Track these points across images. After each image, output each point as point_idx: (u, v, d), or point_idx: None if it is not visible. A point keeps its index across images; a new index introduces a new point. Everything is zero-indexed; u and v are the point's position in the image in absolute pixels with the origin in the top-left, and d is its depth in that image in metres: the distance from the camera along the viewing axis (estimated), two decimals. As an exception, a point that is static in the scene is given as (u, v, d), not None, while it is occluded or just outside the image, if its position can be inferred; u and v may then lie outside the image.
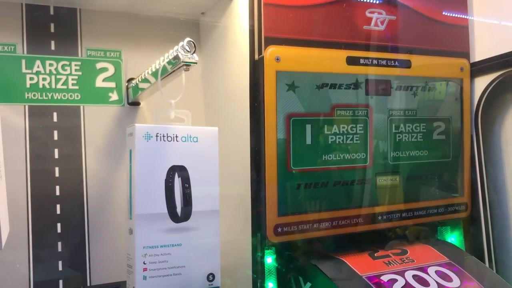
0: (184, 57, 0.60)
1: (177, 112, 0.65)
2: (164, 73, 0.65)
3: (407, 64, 0.82)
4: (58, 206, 0.77)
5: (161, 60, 0.66)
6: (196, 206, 0.64)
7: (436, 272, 0.76)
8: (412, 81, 0.83)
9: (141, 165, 0.61)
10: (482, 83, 0.87)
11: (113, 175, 0.78)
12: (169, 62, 0.63)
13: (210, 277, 0.65)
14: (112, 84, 0.83)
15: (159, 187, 0.62)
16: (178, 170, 0.63)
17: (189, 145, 0.64)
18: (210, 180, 0.65)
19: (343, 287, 0.70)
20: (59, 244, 0.77)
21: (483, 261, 0.87)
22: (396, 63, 0.81)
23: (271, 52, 0.71)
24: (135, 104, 0.84)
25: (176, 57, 0.61)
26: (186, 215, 0.63)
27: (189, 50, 0.59)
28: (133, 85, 0.80)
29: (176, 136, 0.63)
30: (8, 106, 0.76)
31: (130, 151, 0.62)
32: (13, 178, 0.74)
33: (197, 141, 0.65)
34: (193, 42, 0.60)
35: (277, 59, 0.71)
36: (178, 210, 0.63)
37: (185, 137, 0.64)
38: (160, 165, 0.62)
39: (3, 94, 0.75)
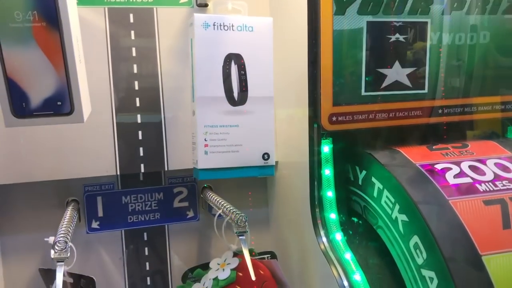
0: None
1: (234, 4, 0.69)
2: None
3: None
4: (137, 99, 0.87)
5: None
6: (251, 91, 0.69)
7: (496, 164, 0.76)
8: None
9: (200, 52, 0.66)
10: None
11: (184, 70, 0.85)
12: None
13: (266, 156, 0.71)
14: (181, -14, 0.88)
15: (217, 73, 0.68)
16: (234, 58, 0.68)
17: (244, 34, 0.69)
18: (264, 68, 0.70)
19: (395, 173, 0.73)
20: (139, 132, 0.87)
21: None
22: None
23: None
24: (203, 5, 0.88)
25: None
26: (242, 99, 0.69)
27: None
28: (200, -15, 0.85)
29: (232, 25, 0.68)
30: (90, 9, 0.84)
31: (191, 40, 0.68)
32: (97, 73, 0.84)
33: (252, 30, 0.69)
34: None
35: None
36: (235, 94, 0.68)
37: (241, 27, 0.68)
38: (218, 53, 0.68)
39: (86, -3, 0.84)
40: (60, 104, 0.63)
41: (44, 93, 0.62)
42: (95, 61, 0.83)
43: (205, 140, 0.68)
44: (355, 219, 0.81)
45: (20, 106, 0.62)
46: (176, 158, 0.88)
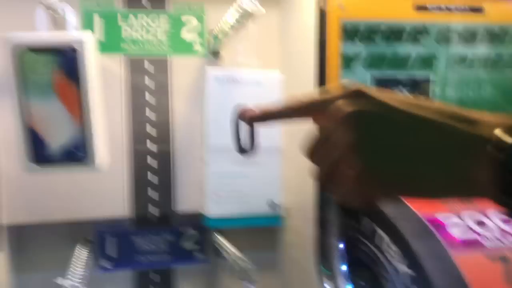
0: (250, 7, 0.66)
1: (245, 58, 0.72)
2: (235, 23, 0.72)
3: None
4: (148, 141, 0.90)
5: (232, 11, 0.73)
6: (260, 142, 0.71)
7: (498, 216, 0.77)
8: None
9: (211, 104, 0.70)
10: None
11: (195, 116, 0.88)
12: (237, 12, 0.70)
13: (273, 205, 0.73)
14: (195, 36, 0.92)
15: (227, 124, 0.70)
16: (244, 110, 0.71)
17: (254, 88, 0.72)
18: (273, 119, 0.72)
19: (400, 225, 0.74)
20: (152, 176, 0.90)
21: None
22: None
23: (334, -1, 0.75)
24: (216, 53, 0.92)
25: (242, 8, 0.68)
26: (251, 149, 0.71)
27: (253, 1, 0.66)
28: (213, 36, 0.88)
29: (242, 79, 0.71)
30: (108, 56, 0.88)
31: (203, 92, 0.71)
32: (113, 117, 0.87)
33: (261, 84, 0.72)
34: (255, -7, 0.66)
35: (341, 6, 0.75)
36: (244, 145, 0.71)
37: (251, 81, 0.71)
38: (228, 105, 0.71)
39: (104, 45, 0.88)
40: (78, 153, 0.66)
41: (62, 142, 0.65)
42: (110, 107, 0.87)
43: (214, 188, 0.70)
44: (363, 270, 0.82)
45: (39, 154, 0.65)
46: (188, 201, 0.90)
